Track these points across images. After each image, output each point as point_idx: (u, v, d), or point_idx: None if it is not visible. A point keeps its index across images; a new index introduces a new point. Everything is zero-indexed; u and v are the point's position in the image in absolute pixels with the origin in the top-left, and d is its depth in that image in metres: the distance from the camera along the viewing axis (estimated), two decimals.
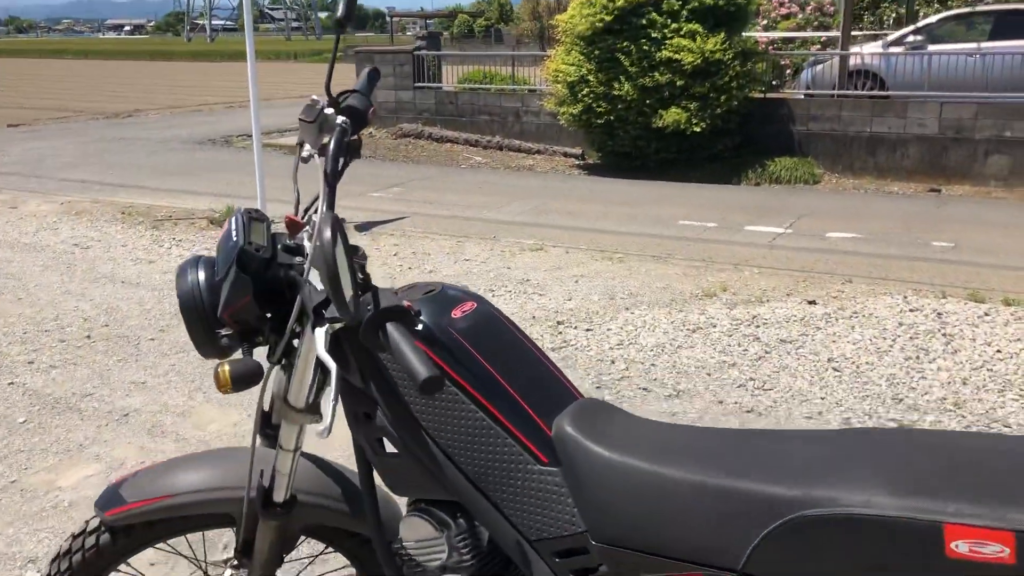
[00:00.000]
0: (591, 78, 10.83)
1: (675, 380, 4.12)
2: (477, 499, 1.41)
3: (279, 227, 1.60)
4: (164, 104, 21.14)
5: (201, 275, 1.48)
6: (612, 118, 10.85)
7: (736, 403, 3.85)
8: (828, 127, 11.00)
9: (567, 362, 4.39)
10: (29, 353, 4.71)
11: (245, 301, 1.43)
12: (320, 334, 1.35)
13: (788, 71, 12.83)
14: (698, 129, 10.45)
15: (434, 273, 6.14)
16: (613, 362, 4.36)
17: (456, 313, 1.44)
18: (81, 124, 16.83)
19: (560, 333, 4.83)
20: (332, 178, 1.56)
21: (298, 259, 1.50)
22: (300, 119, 1.62)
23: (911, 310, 5.08)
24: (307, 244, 1.47)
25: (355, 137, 1.73)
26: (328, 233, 1.21)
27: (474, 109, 13.63)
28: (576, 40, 11.07)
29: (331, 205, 1.53)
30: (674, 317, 5.05)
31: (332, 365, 1.28)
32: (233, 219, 1.50)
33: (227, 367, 1.42)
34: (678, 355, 4.44)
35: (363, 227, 7.66)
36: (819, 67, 11.93)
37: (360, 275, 1.39)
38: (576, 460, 1.34)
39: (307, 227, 1.53)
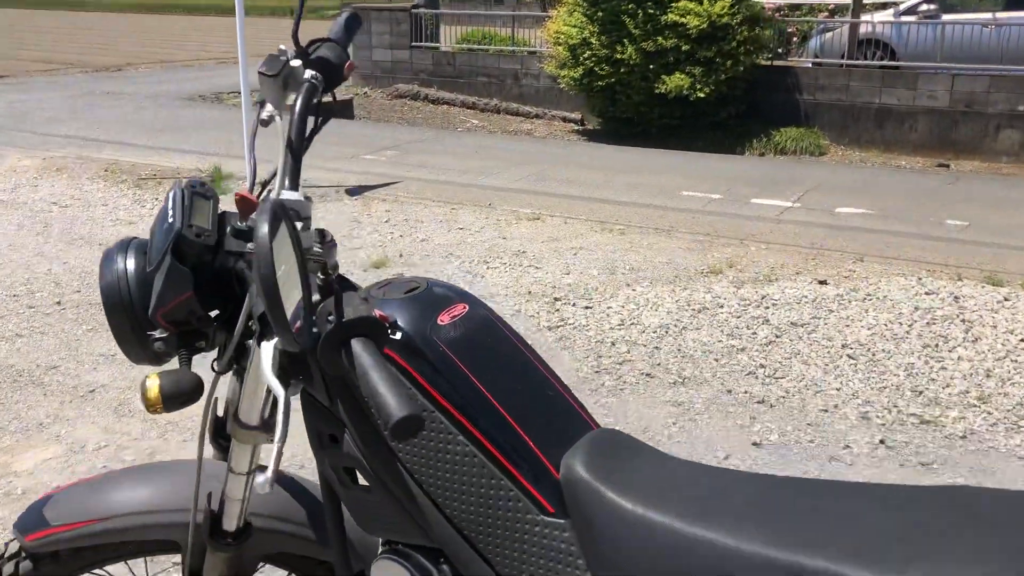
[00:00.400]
0: (594, 41, 10.47)
1: (680, 365, 3.87)
2: (463, 549, 1.15)
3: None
4: (155, 59, 20.64)
5: (131, 263, 1.21)
6: (614, 82, 10.51)
7: (746, 392, 3.60)
8: (836, 97, 10.68)
9: (564, 343, 4.13)
10: None
11: (182, 299, 1.16)
12: (268, 350, 1.08)
13: (795, 38, 12.47)
14: (702, 95, 10.12)
15: (426, 242, 5.87)
16: (614, 344, 4.11)
17: (443, 318, 1.17)
18: (69, 77, 16.38)
19: (557, 311, 4.56)
20: (296, 146, 1.29)
21: (250, 245, 1.22)
22: (260, 72, 1.34)
23: (927, 293, 4.82)
24: None
25: (329, 98, 1.45)
26: (264, 229, 0.93)
27: (472, 70, 13.26)
28: (579, 1, 10.70)
29: (294, 182, 1.26)
30: (678, 295, 4.78)
31: (280, 392, 1.01)
32: (171, 195, 1.23)
33: (157, 380, 1.15)
34: (683, 337, 4.19)
35: (354, 191, 7.36)
36: (828, 35, 11.57)
37: (321, 277, 1.11)
38: (589, 511, 1.08)
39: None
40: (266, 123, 1.31)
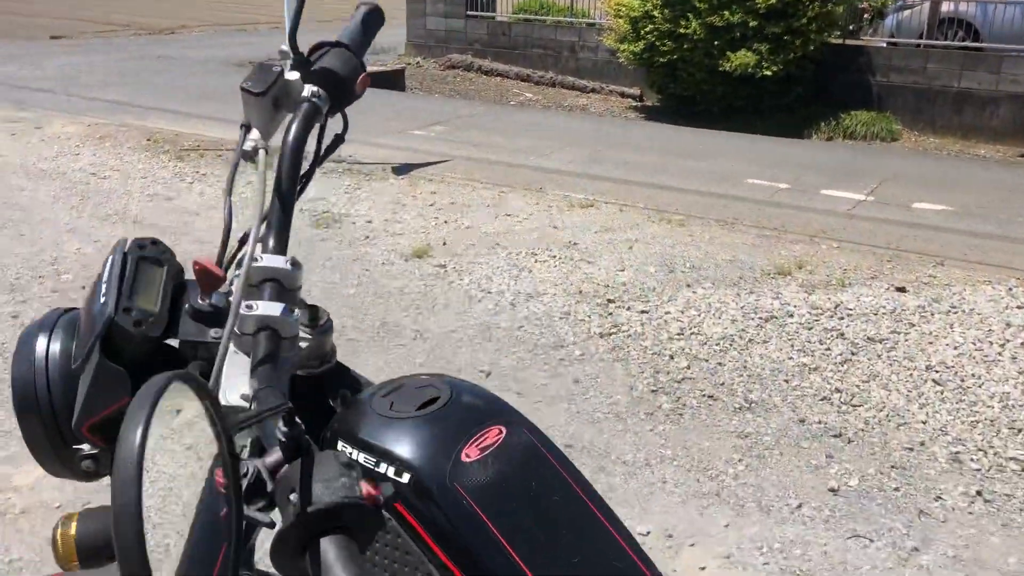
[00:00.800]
0: (656, 14, 9.99)
1: (746, 386, 3.50)
2: None
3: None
4: (210, 21, 20.49)
5: (55, 348, 0.89)
6: (676, 58, 10.03)
7: (820, 423, 3.23)
8: (911, 80, 10.07)
9: (618, 354, 3.79)
10: (16, 305, 4.22)
11: (116, 407, 0.84)
12: None
13: (867, 15, 11.83)
14: (768, 74, 9.60)
15: (471, 230, 5.53)
16: (672, 357, 3.75)
17: (470, 452, 0.83)
18: (123, 40, 16.28)
19: (610, 314, 4.21)
20: (286, 189, 0.96)
21: (213, 332, 0.90)
22: (243, 89, 1.02)
23: (1018, 307, 4.38)
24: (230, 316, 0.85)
25: (339, 123, 1.12)
26: (132, 439, 0.56)
27: (528, 42, 12.82)
28: None
29: (280, 240, 0.93)
30: (743, 301, 4.40)
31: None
32: (109, 260, 0.91)
33: (73, 526, 0.84)
34: (749, 352, 3.82)
35: (400, 170, 7.05)
36: (906, 12, 10.93)
37: (284, 431, 0.76)
38: None
39: (230, 281, 0.94)
40: (250, 156, 0.98)
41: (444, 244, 5.23)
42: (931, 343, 3.95)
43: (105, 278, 0.87)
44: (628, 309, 4.27)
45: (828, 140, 9.64)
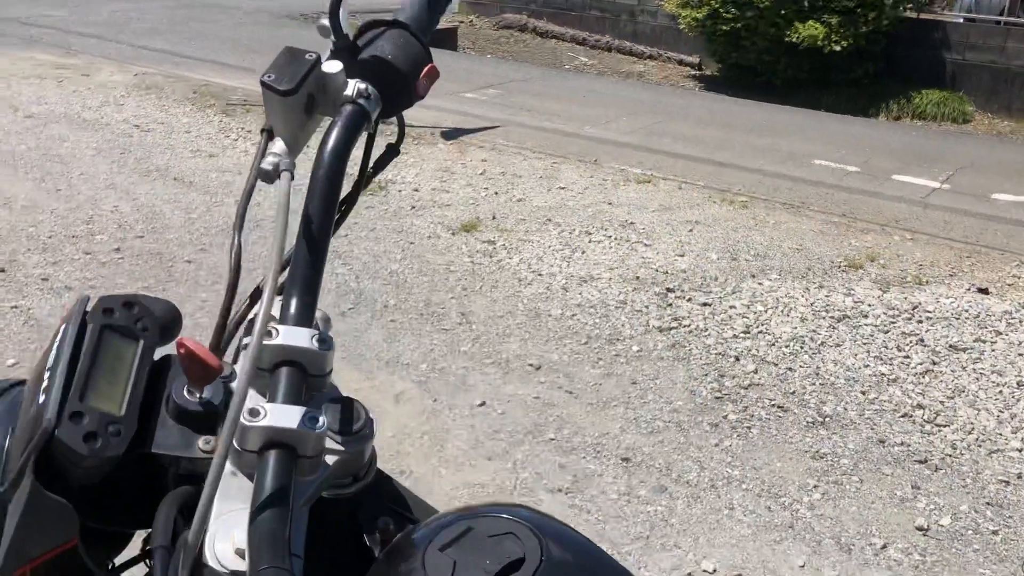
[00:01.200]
0: None
1: (819, 397, 3.21)
2: None
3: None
4: None
5: None
6: (740, 27, 9.58)
7: (903, 444, 2.93)
8: (988, 58, 9.54)
9: (678, 352, 3.51)
10: (47, 266, 4.04)
11: (58, 551, 0.60)
12: None
13: None
14: (837, 48, 9.14)
15: (523, 203, 5.25)
16: (738, 359, 3.46)
17: None
18: None
19: (670, 306, 3.93)
20: (318, 226, 0.70)
21: (203, 443, 0.64)
22: (264, 84, 0.75)
23: None
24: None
25: (395, 135, 0.86)
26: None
27: (585, 3, 12.40)
28: None
29: (305, 303, 0.68)
30: (813, 296, 4.09)
31: None
32: (61, 331, 0.65)
33: None
34: (821, 356, 3.52)
35: (450, 135, 6.77)
36: None
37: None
38: None
39: (231, 365, 0.68)
40: (270, 177, 0.72)
41: (493, 218, 4.97)
42: (1021, 355, 3.62)
43: (51, 361, 0.62)
44: (689, 300, 3.98)
45: (896, 120, 9.18)
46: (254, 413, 0.58)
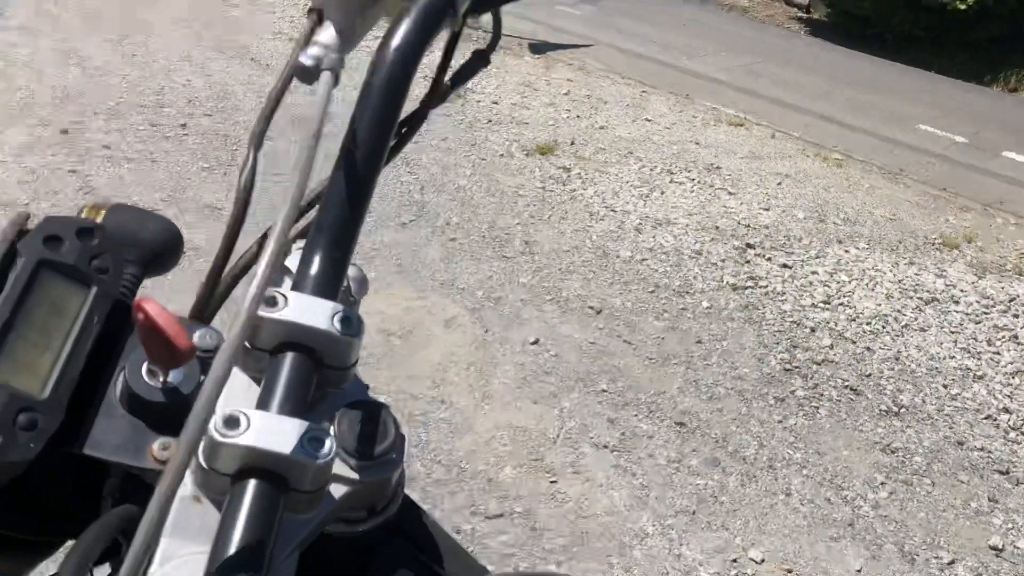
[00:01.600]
0: None
1: (897, 384, 2.97)
2: None
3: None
4: None
5: None
6: None
7: (983, 450, 2.70)
8: None
9: (750, 313, 3.28)
10: (111, 134, 3.93)
11: None
12: None
13: None
14: (963, 7, 8.53)
15: (605, 130, 4.99)
16: (814, 330, 3.23)
17: None
18: None
19: (747, 262, 3.68)
20: (365, 156, 0.51)
21: (158, 447, 0.47)
22: None
23: None
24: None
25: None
26: None
27: None
28: None
29: (331, 268, 0.48)
30: (902, 273, 3.81)
31: None
32: None
33: None
34: (904, 340, 3.26)
35: (538, 48, 6.47)
36: None
37: None
38: None
39: (218, 336, 0.50)
40: (309, 76, 0.51)
41: (572, 143, 4.72)
42: None
43: None
44: (768, 260, 3.73)
45: (1012, 91, 8.59)
46: (231, 423, 0.39)
